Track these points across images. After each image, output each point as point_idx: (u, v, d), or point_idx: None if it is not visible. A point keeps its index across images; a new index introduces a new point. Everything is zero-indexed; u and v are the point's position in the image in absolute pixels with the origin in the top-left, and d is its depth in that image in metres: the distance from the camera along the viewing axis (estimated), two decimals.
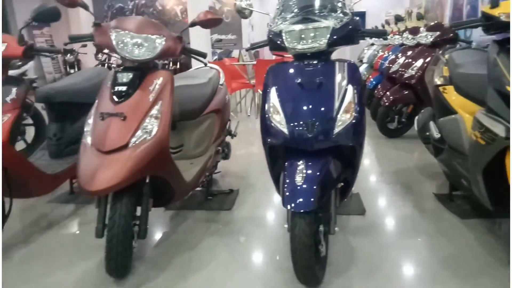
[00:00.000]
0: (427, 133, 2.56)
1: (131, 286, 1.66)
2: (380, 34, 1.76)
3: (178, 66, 8.88)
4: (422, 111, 2.83)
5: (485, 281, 1.61)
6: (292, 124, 1.54)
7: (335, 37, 1.60)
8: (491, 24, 1.66)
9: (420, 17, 5.19)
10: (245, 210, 2.39)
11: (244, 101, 6.50)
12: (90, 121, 1.70)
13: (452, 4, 8.30)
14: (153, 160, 1.62)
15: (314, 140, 1.50)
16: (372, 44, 7.36)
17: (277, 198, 2.54)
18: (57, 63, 10.23)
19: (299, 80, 1.59)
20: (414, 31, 4.31)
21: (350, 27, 1.64)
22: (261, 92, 5.96)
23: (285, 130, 1.55)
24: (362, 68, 6.09)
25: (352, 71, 1.64)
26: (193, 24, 1.88)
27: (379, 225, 2.14)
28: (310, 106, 1.54)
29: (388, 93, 3.91)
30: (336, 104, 1.55)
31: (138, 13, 10.56)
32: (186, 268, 1.79)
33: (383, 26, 7.22)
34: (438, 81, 2.46)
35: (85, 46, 8.49)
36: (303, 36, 1.62)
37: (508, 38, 1.67)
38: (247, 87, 5.81)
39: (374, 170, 3.09)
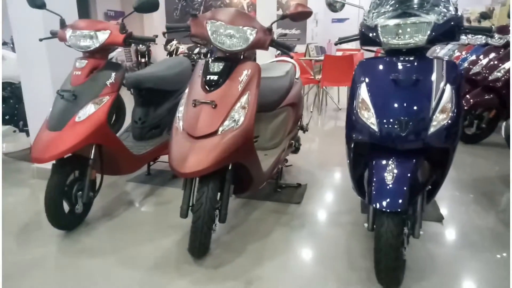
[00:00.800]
0: None
1: (209, 267, 1.74)
2: (485, 30, 1.65)
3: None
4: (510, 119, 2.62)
5: None
6: (383, 121, 1.50)
7: (436, 33, 1.53)
8: None
9: (509, 14, 4.76)
10: (315, 204, 2.39)
11: (306, 97, 6.46)
12: (182, 108, 1.79)
13: None
14: (239, 148, 1.68)
15: (406, 140, 1.46)
16: (447, 43, 6.93)
17: (347, 196, 2.50)
18: (128, 52, 10.87)
19: (393, 76, 1.54)
20: (503, 29, 3.99)
21: (453, 23, 1.56)
22: (325, 89, 5.84)
23: (375, 127, 1.52)
24: None
25: (451, 70, 1.56)
26: (283, 17, 1.89)
27: (458, 234, 2.03)
28: (404, 104, 1.50)
29: (467, 96, 3.67)
30: (433, 103, 1.49)
31: (206, 6, 10.86)
32: (260, 255, 1.83)
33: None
34: None
35: (156, 36, 8.96)
36: (400, 31, 1.57)
37: None
38: (312, 82, 5.76)
39: (450, 176, 2.91)
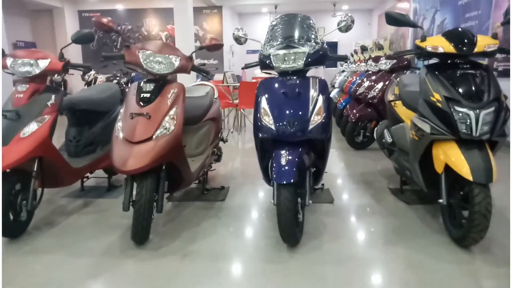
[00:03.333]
0: (383, 140, 3.16)
1: (150, 249, 2.10)
2: (343, 58, 2.35)
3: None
4: (380, 123, 3.44)
5: (422, 242, 2.15)
6: (278, 123, 2.07)
7: (309, 59, 2.17)
8: (421, 53, 2.28)
9: (380, 47, 5.96)
10: (236, 200, 2.87)
11: (227, 119, 7.04)
12: (120, 122, 2.16)
13: (413, 37, 9.33)
14: (171, 150, 2.10)
15: (294, 134, 2.04)
16: (343, 71, 8.16)
17: (261, 193, 3.04)
18: None
19: (283, 90, 2.14)
20: (376, 59, 5.04)
21: (321, 52, 2.22)
22: (243, 111, 6.47)
23: (273, 127, 2.08)
24: (334, 92, 6.79)
25: (322, 85, 2.21)
26: (200, 48, 2.42)
27: (345, 209, 2.67)
28: (292, 110, 2.09)
29: (354, 111, 4.55)
30: (310, 108, 2.10)
31: (124, 37, 11.07)
32: (192, 238, 2.24)
33: (352, 55, 8.03)
34: (390, 97, 3.10)
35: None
36: (286, 58, 2.19)
37: (434, 64, 2.30)
38: (231, 106, 6.36)
39: (343, 173, 3.65)
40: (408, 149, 2.63)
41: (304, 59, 2.16)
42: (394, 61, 4.32)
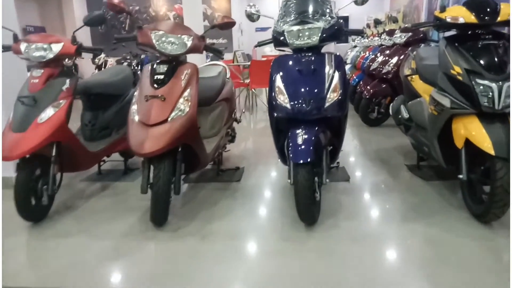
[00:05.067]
0: (399, 116, 3.09)
1: (169, 231, 2.13)
2: (359, 32, 2.28)
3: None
4: (396, 98, 3.36)
5: (441, 218, 2.13)
6: (293, 101, 2.03)
7: (324, 35, 2.11)
8: (440, 24, 2.19)
9: (395, 20, 5.77)
10: (252, 181, 2.88)
11: (238, 99, 7.00)
12: (134, 105, 2.16)
13: (427, 9, 9.02)
14: (186, 131, 2.10)
15: (310, 113, 2.01)
16: (355, 47, 7.97)
17: (275, 172, 3.04)
18: None
19: (298, 68, 2.09)
20: (391, 32, 4.89)
21: (336, 27, 2.16)
22: (254, 91, 6.43)
23: (288, 106, 2.04)
24: (346, 68, 6.66)
25: (338, 61, 2.16)
26: (213, 26, 2.37)
27: (361, 187, 2.66)
28: (307, 88, 2.05)
29: (368, 87, 4.46)
30: (326, 85, 2.06)
31: (132, 19, 10.97)
32: (210, 218, 2.26)
33: (364, 29, 7.83)
34: (407, 72, 3.01)
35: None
36: (300, 34, 2.13)
37: (453, 35, 2.22)
38: (242, 86, 6.31)
39: (357, 150, 3.62)
40: (426, 125, 2.58)
41: (320, 34, 2.10)
42: (409, 34, 4.18)
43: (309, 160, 1.89)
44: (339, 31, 2.16)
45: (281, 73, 2.14)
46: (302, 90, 2.05)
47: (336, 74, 2.10)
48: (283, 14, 2.25)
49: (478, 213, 2.03)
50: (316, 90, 2.04)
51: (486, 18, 2.01)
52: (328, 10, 2.19)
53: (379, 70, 4.44)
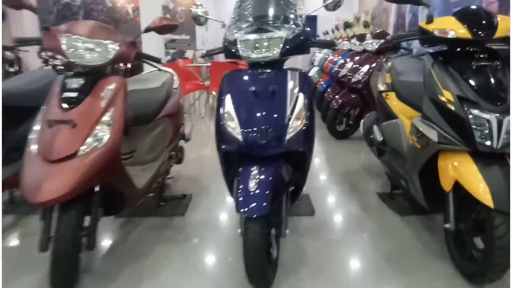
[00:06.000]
0: (371, 136, 2.72)
1: None
2: (329, 44, 1.86)
3: (129, 66, 8.60)
4: (367, 115, 3.00)
5: (422, 274, 1.76)
6: (246, 131, 1.58)
7: (287, 47, 1.67)
8: (427, 38, 1.81)
9: (366, 25, 5.45)
10: (198, 214, 2.40)
11: (197, 102, 6.46)
12: (37, 128, 1.63)
13: (396, 12, 8.85)
14: (104, 168, 1.58)
15: (267, 146, 1.56)
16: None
17: (230, 201, 2.57)
18: None
19: (253, 88, 1.63)
20: (361, 37, 4.55)
21: (302, 37, 1.72)
22: (215, 94, 5.92)
23: (239, 137, 1.58)
24: (313, 71, 6.29)
25: (303, 79, 1.72)
26: (147, 30, 1.86)
27: (327, 224, 2.25)
28: (264, 113, 1.60)
29: (337, 96, 4.09)
30: (288, 111, 1.62)
31: (87, 10, 10.06)
32: (137, 277, 1.76)
33: (333, 31, 7.52)
34: (381, 87, 2.64)
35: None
36: (257, 45, 1.67)
37: (441, 51, 1.84)
38: (201, 88, 5.78)
39: (324, 170, 3.23)
40: (403, 152, 2.20)
41: (281, 46, 1.66)
42: (382, 41, 3.84)
43: (264, 213, 1.45)
44: (305, 42, 1.73)
45: (231, 94, 1.67)
46: (258, 116, 1.60)
47: (301, 97, 1.66)
48: (236, 18, 1.78)
49: (468, 272, 1.67)
50: (275, 117, 1.60)
51: (481, 33, 1.64)
52: (292, 16, 1.75)
53: (348, 79, 4.07)
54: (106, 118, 1.63)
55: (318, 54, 7.13)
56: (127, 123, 2.19)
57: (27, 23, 9.70)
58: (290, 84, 1.67)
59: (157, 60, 1.97)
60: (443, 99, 1.66)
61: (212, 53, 1.89)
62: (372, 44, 3.92)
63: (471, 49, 1.72)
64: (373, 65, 3.88)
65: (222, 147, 1.66)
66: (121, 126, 1.68)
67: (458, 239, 1.75)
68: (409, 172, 1.96)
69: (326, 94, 4.55)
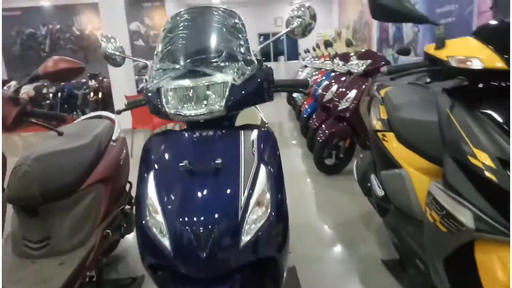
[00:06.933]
0: (369, 184, 2.16)
1: None
2: (301, 86, 1.30)
3: (100, 96, 8.03)
4: (361, 155, 2.45)
5: None
6: (175, 235, 0.99)
7: (236, 96, 1.11)
8: (439, 69, 1.27)
9: (349, 43, 4.98)
10: None
11: None
12: None
13: (379, 25, 8.49)
14: None
15: (209, 262, 0.97)
16: (306, 67, 7.18)
17: None
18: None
19: (186, 162, 1.05)
20: (345, 57, 4.06)
21: (258, 80, 1.16)
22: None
23: (167, 244, 1.00)
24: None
25: (266, 142, 1.15)
26: (32, 79, 1.29)
27: None
28: (203, 204, 1.02)
29: (323, 126, 3.54)
30: (243, 197, 1.04)
31: (53, 39, 9.52)
32: None
33: (314, 49, 7.07)
34: (376, 125, 2.09)
35: None
36: (190, 96, 1.11)
37: (461, 87, 1.30)
38: (172, 122, 5.20)
39: (313, 225, 2.64)
40: (414, 214, 1.66)
41: (227, 96, 1.10)
42: (369, 62, 3.33)
43: None
44: (263, 86, 1.17)
45: (155, 170, 1.10)
46: (193, 210, 1.01)
47: (263, 171, 1.09)
48: (160, 57, 1.22)
49: None
50: (222, 209, 1.02)
51: None
52: (242, 50, 1.19)
53: (334, 105, 3.54)
54: None
55: (301, 73, 6.67)
56: (36, 201, 1.60)
57: None
58: (245, 153, 1.10)
59: (61, 117, 1.39)
60: (476, 162, 1.10)
61: (130, 107, 1.32)
62: (358, 66, 3.40)
63: (504, 84, 1.18)
64: (362, 88, 3.37)
65: (145, 258, 1.07)
66: None
67: None
68: (430, 257, 1.39)
69: (311, 121, 4.02)
